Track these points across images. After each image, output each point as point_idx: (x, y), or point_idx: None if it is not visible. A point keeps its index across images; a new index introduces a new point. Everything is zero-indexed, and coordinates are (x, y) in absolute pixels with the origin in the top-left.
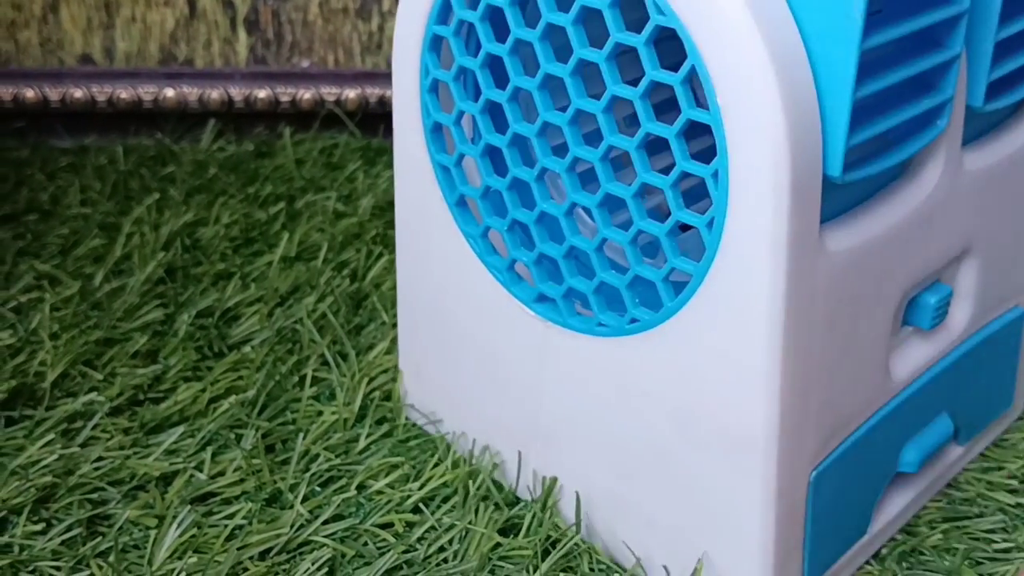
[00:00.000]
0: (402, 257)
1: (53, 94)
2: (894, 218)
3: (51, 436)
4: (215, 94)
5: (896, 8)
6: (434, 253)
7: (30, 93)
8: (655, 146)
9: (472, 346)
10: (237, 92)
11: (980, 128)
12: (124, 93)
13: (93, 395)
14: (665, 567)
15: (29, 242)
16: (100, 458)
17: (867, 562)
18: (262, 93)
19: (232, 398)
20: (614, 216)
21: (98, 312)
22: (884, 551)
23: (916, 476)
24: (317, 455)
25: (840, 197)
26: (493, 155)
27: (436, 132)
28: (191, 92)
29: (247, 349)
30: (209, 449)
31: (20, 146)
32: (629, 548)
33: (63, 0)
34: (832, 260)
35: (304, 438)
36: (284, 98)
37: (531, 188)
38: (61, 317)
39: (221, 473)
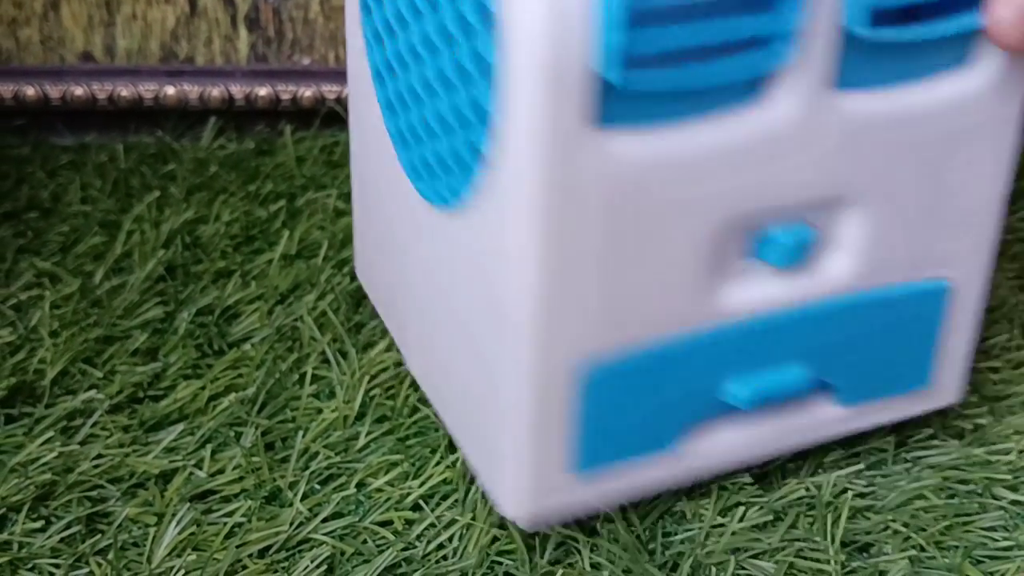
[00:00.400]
0: (354, 150)
1: (54, 92)
2: (717, 141)
3: (51, 433)
4: (216, 92)
5: None
6: (370, 142)
7: (31, 91)
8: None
9: (387, 228)
10: (238, 90)
11: (882, 72)
12: (125, 91)
13: (93, 392)
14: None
15: (30, 240)
16: (99, 455)
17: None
18: (263, 91)
19: (232, 396)
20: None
21: (98, 310)
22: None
23: (764, 418)
24: (317, 453)
25: (646, 105)
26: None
27: (371, 41)
28: (192, 90)
29: (247, 347)
30: (209, 447)
31: (21, 143)
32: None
33: None
34: (617, 165)
35: (304, 436)
36: (285, 96)
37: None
38: (61, 315)
39: (220, 471)
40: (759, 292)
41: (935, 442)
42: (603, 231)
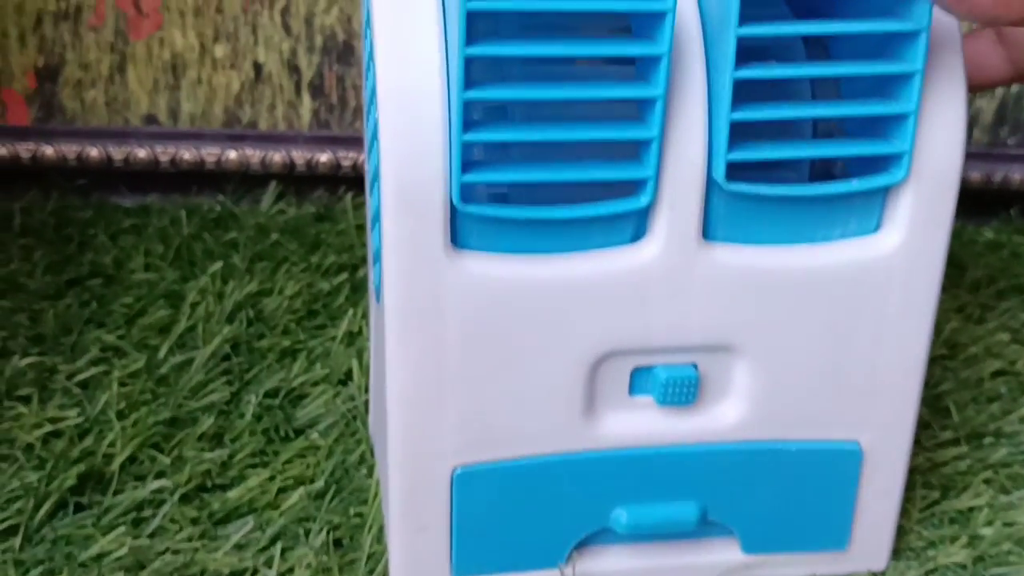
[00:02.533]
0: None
1: (117, 153)
2: (579, 276)
3: (121, 527)
4: (277, 157)
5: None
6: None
7: (94, 152)
8: None
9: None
10: (299, 155)
11: (765, 228)
12: (187, 154)
13: (162, 481)
14: None
15: (95, 310)
16: (169, 550)
17: None
18: (324, 157)
19: (301, 490)
20: None
21: (164, 388)
22: None
23: (661, 549)
24: (383, 554)
25: (509, 232)
26: None
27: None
28: (253, 154)
29: (314, 435)
30: (278, 544)
31: (83, 205)
32: None
33: (130, 61)
34: (474, 286)
35: (371, 532)
36: (346, 162)
37: None
38: (128, 393)
39: (290, 570)
40: (644, 426)
41: None
42: (460, 344)
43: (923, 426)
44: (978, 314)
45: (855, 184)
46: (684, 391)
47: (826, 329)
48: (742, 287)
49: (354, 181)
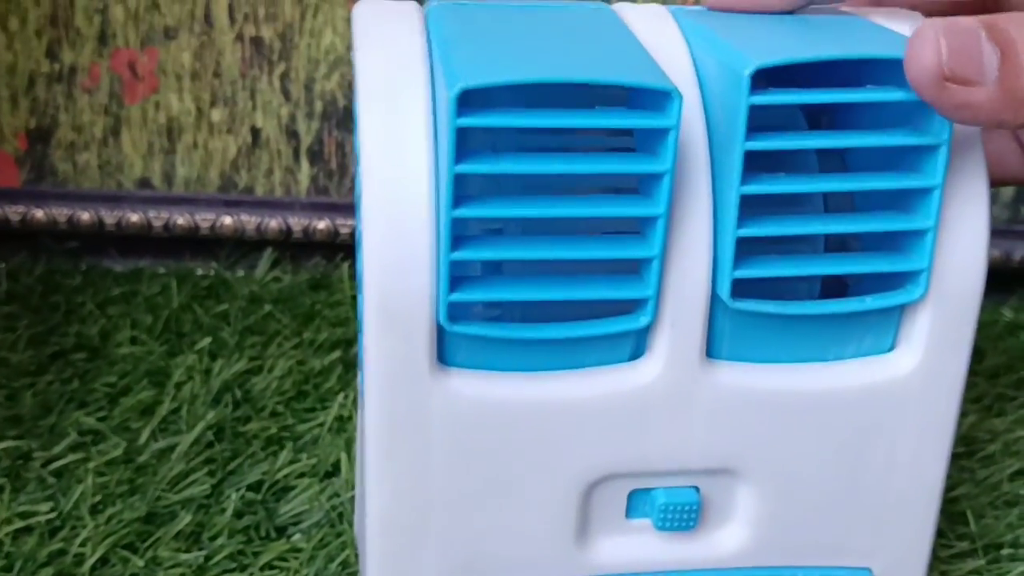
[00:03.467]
0: None
1: (109, 217)
2: (573, 396)
3: None
4: (274, 223)
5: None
6: None
7: (86, 215)
8: None
9: None
10: (296, 222)
11: (773, 347)
12: (181, 219)
13: None
14: None
15: (76, 388)
16: None
17: None
18: (321, 224)
19: None
20: None
21: (143, 479)
22: None
23: None
24: None
25: (499, 351)
26: None
27: None
28: (249, 220)
29: (296, 536)
30: None
31: (72, 270)
32: None
33: (125, 124)
34: (460, 403)
35: None
36: (344, 229)
37: None
38: (105, 483)
39: None
40: (641, 552)
41: None
42: (449, 471)
43: (938, 535)
44: (997, 406)
45: (869, 302)
46: (685, 516)
47: (837, 452)
48: (748, 408)
49: (352, 248)
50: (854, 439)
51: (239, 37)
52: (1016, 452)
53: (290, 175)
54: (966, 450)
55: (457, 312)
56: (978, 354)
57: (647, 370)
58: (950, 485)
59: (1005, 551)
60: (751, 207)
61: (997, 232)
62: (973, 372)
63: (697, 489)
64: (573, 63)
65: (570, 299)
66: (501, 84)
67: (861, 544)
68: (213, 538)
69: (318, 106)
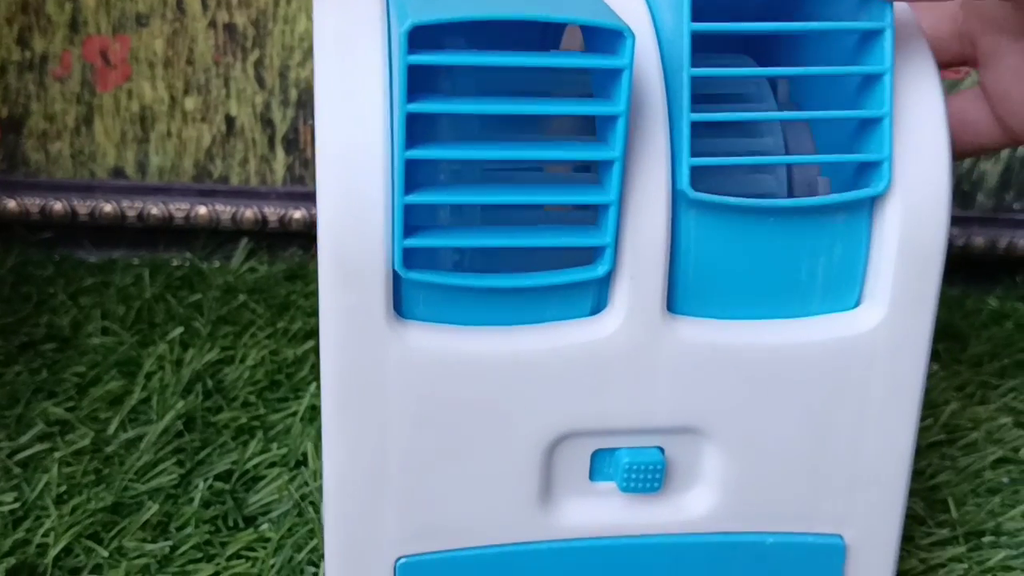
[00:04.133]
0: None
1: (82, 207)
2: (530, 350)
3: None
4: (249, 213)
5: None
6: None
7: (58, 206)
8: None
9: None
10: (272, 211)
11: (737, 301)
12: (155, 209)
13: None
14: None
15: (45, 378)
16: None
17: None
18: (297, 213)
19: None
20: None
21: (110, 469)
22: None
23: None
24: None
25: (456, 302)
26: None
27: None
28: (224, 210)
29: (264, 526)
30: None
31: (45, 260)
32: None
33: (97, 112)
34: (417, 357)
35: None
36: None
37: None
38: (71, 474)
39: None
40: (605, 514)
41: None
42: (407, 428)
43: (918, 522)
44: (980, 394)
45: (837, 196)
46: (649, 477)
47: (803, 413)
48: (711, 364)
49: None
50: (821, 398)
51: (212, 24)
52: (998, 440)
53: (265, 164)
54: (948, 437)
55: (413, 259)
56: (962, 342)
57: (607, 324)
58: (931, 471)
59: (986, 538)
60: (703, 137)
61: (983, 220)
62: (956, 360)
63: (662, 450)
64: (525, 5)
65: (527, 246)
66: (450, 20)
67: (832, 510)
68: (180, 528)
69: (293, 94)
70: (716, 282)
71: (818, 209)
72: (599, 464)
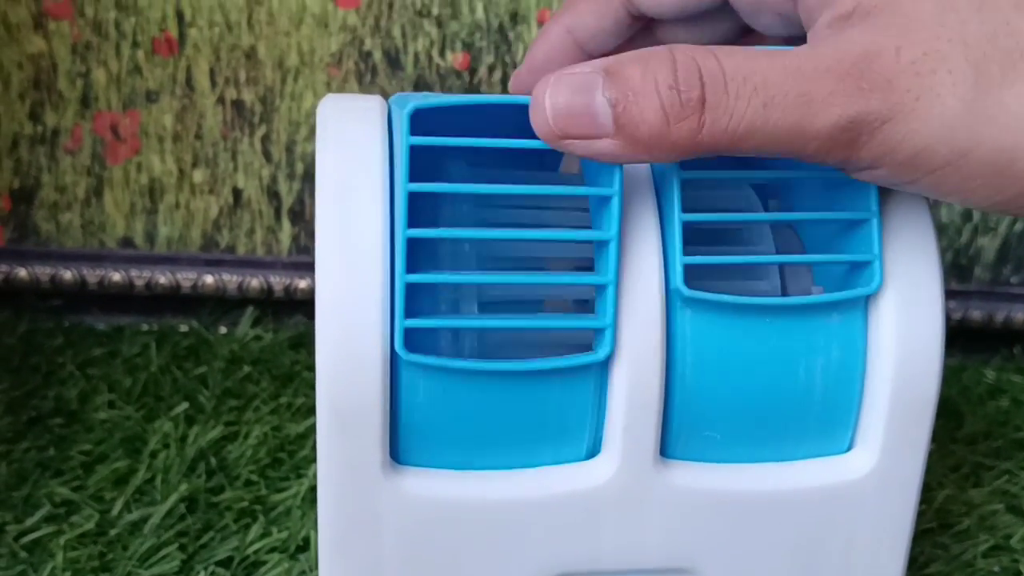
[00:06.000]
0: None
1: (91, 276)
2: (523, 491)
3: None
4: (255, 282)
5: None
6: None
7: (68, 274)
8: None
9: None
10: (277, 281)
11: (729, 445)
12: (163, 278)
13: None
14: None
15: (52, 456)
16: None
17: None
18: (302, 283)
19: None
20: None
21: (114, 554)
22: None
23: None
24: None
25: (454, 448)
26: None
27: None
28: (231, 280)
29: None
30: None
31: (55, 328)
32: None
33: (107, 185)
34: (410, 502)
35: None
36: None
37: None
38: (75, 558)
39: None
40: None
41: None
42: (402, 567)
43: None
44: (974, 477)
45: (828, 296)
46: None
47: (792, 554)
48: (702, 508)
49: None
50: (810, 541)
51: (220, 100)
52: (991, 527)
53: (271, 235)
54: (940, 524)
55: (413, 342)
56: (957, 419)
57: (601, 469)
58: (923, 560)
59: None
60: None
61: (980, 294)
62: (952, 439)
63: None
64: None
65: (529, 328)
66: (449, 105)
67: None
68: None
69: (299, 167)
70: (709, 423)
71: (813, 308)
72: None
